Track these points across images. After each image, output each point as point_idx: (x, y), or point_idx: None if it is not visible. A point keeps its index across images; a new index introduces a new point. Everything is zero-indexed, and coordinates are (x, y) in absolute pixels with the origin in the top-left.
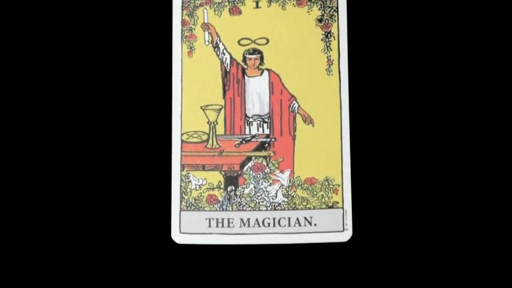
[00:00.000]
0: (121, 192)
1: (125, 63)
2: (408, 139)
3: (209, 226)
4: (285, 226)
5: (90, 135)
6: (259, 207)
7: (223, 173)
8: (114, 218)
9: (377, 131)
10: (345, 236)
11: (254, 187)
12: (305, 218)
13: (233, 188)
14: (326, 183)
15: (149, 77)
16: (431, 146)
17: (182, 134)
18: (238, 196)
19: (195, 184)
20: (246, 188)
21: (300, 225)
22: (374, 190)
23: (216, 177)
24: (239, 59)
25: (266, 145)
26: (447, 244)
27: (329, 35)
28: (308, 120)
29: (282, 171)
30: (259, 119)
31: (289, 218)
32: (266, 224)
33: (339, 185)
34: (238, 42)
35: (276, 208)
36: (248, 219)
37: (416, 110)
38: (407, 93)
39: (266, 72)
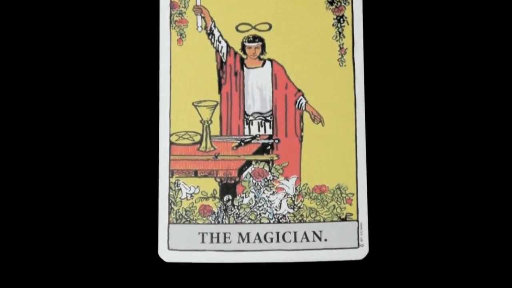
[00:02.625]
0: (101, 202)
1: (106, 52)
2: (432, 141)
3: (203, 241)
4: (290, 241)
5: (67, 135)
6: (260, 220)
7: (218, 180)
8: (93, 232)
9: (397, 131)
10: (360, 253)
11: (255, 196)
12: (314, 233)
13: (230, 198)
14: (338, 192)
15: (133, 69)
16: (456, 150)
17: (171, 135)
18: (236, 207)
19: (186, 193)
20: (245, 197)
21: (308, 240)
22: (393, 200)
23: (211, 185)
24: (237, 47)
25: (269, 147)
26: (476, 265)
27: (341, 19)
28: (317, 118)
29: (287, 178)
30: (260, 117)
31: (295, 233)
32: (268, 239)
33: (353, 194)
34: (236, 28)
35: (280, 220)
36: (248, 234)
37: (440, 107)
38: (431, 87)
39: (268, 63)
